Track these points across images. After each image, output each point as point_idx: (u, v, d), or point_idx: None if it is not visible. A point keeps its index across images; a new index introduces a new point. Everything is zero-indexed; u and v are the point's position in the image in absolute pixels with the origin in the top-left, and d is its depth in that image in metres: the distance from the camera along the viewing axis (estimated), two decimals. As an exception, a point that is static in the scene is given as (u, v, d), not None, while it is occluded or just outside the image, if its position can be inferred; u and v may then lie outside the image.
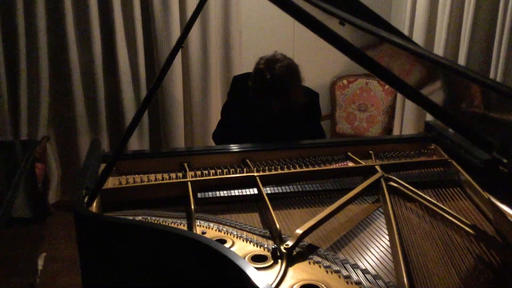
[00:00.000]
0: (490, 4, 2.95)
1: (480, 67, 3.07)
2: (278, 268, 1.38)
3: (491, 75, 2.93)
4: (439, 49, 3.33)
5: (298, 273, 1.37)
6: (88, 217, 1.57)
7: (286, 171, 1.97)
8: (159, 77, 1.67)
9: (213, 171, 1.97)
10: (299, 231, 1.48)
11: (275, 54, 2.37)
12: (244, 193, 1.83)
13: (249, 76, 2.50)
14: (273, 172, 1.95)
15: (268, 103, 2.47)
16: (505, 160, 1.65)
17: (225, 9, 3.72)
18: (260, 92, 2.38)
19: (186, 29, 1.70)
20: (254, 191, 1.83)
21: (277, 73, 2.27)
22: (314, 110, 2.66)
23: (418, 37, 3.51)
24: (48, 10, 3.48)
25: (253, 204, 1.80)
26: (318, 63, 4.15)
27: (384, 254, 1.45)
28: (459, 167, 1.90)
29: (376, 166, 1.94)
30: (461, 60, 3.11)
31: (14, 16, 3.37)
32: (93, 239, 1.60)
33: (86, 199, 1.65)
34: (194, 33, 3.67)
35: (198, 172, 1.97)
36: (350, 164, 2.08)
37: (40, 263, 3.01)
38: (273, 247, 1.46)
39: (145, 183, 1.88)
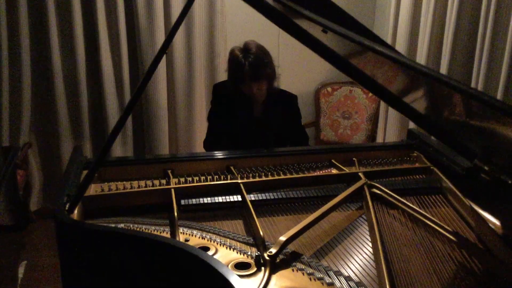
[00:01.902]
0: (472, 12, 3.00)
1: (462, 75, 3.11)
2: (261, 276, 1.37)
3: (473, 84, 2.97)
4: (421, 57, 3.37)
5: (282, 280, 1.36)
6: (70, 224, 1.55)
7: (270, 178, 1.97)
8: (143, 83, 1.66)
9: (197, 178, 1.96)
10: (282, 238, 1.48)
11: (245, 42, 2.50)
12: (228, 200, 1.82)
13: (227, 81, 2.57)
14: (257, 179, 1.95)
15: (249, 104, 2.52)
16: (486, 168, 1.67)
17: (210, 17, 3.72)
18: (237, 75, 2.44)
19: (170, 34, 1.69)
20: (238, 198, 1.83)
21: (251, 50, 2.41)
22: (294, 112, 2.68)
23: (401, 45, 3.55)
24: (31, 15, 3.45)
25: (237, 211, 1.79)
26: (303, 71, 4.18)
27: (367, 261, 1.45)
28: (441, 175, 1.92)
29: (359, 173, 1.95)
30: (443, 69, 3.15)
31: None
32: (75, 246, 1.58)
33: (67, 206, 1.63)
34: (179, 39, 3.67)
35: (182, 179, 1.96)
36: (334, 171, 2.08)
37: (21, 271, 2.97)
38: (256, 254, 1.45)
39: (128, 190, 1.86)
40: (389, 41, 3.63)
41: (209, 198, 1.82)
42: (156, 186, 1.90)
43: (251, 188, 1.87)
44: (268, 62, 2.46)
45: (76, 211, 1.64)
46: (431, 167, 2.01)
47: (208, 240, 1.58)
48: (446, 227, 1.59)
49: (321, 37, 1.40)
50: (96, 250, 1.55)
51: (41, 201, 3.85)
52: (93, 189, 1.89)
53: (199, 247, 1.44)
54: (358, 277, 1.37)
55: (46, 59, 3.52)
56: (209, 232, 1.64)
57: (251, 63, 2.39)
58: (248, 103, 2.59)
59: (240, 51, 2.44)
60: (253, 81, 2.42)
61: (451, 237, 1.54)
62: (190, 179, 1.95)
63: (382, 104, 3.96)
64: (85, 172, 1.92)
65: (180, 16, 1.68)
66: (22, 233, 3.51)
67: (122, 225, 1.67)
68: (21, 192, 3.43)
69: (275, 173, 2.02)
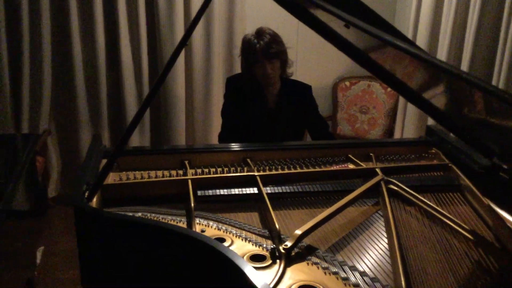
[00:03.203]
0: (495, 9, 2.95)
1: (483, 72, 3.07)
2: (276, 268, 1.38)
3: (494, 81, 2.93)
4: (442, 54, 3.34)
5: (296, 273, 1.37)
6: (88, 212, 1.58)
7: (286, 171, 1.97)
8: (163, 75, 1.67)
9: (214, 169, 1.97)
10: (298, 232, 1.48)
11: (257, 28, 2.55)
12: (244, 192, 1.83)
13: (240, 74, 2.64)
14: (274, 172, 1.95)
15: (263, 95, 2.56)
16: (505, 166, 1.66)
17: (229, 8, 3.72)
18: (250, 57, 2.49)
19: (191, 26, 1.69)
20: (254, 190, 1.83)
21: (264, 32, 2.47)
22: (310, 102, 2.68)
23: (421, 40, 3.51)
24: (52, 4, 3.48)
25: (253, 203, 1.80)
26: (321, 64, 4.16)
27: (383, 257, 1.45)
28: (459, 172, 1.90)
29: (376, 169, 1.94)
30: (464, 65, 3.11)
31: (18, 10, 3.37)
32: (93, 234, 1.61)
33: (86, 194, 1.65)
34: (198, 31, 3.68)
35: (199, 170, 1.97)
36: (351, 166, 2.08)
37: (38, 256, 3.01)
38: (272, 247, 1.46)
39: (145, 179, 1.88)
40: (409, 35, 3.60)
41: (225, 190, 1.83)
42: (173, 176, 1.92)
43: (268, 180, 1.88)
44: (281, 42, 2.51)
45: (94, 199, 1.67)
46: (450, 165, 1.99)
47: (224, 232, 1.59)
48: (463, 225, 1.58)
49: (341, 31, 1.40)
50: (113, 238, 1.58)
51: (59, 187, 3.90)
52: (111, 178, 1.92)
53: (215, 238, 1.45)
54: (373, 272, 1.37)
55: (66, 49, 3.56)
56: (225, 223, 1.65)
57: (265, 41, 2.44)
58: (262, 94, 2.60)
59: (253, 35, 2.50)
60: (266, 58, 2.45)
61: (468, 235, 1.53)
62: (207, 170, 1.96)
63: (401, 100, 3.93)
64: (104, 161, 1.94)
65: (201, 8, 1.69)
66: (40, 219, 3.56)
67: (139, 214, 1.69)
68: (40, 178, 3.47)
69: (291, 166, 2.02)
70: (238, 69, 3.75)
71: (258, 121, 2.61)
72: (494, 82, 2.92)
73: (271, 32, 2.50)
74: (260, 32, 2.49)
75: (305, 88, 2.68)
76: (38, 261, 2.99)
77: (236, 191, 1.83)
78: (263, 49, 2.43)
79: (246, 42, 2.52)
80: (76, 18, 3.50)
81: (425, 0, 3.49)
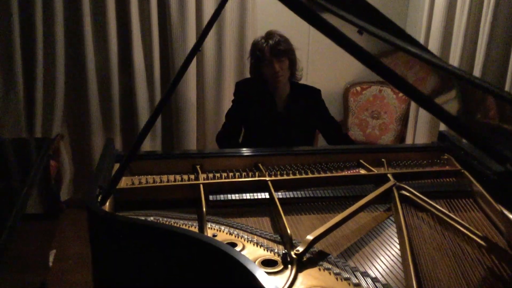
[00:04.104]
0: (508, 13, 2.93)
1: (496, 78, 3.05)
2: (288, 273, 1.38)
3: (507, 87, 2.91)
4: (455, 58, 3.32)
5: (308, 279, 1.37)
6: (101, 216, 1.59)
7: (298, 176, 1.97)
8: (175, 80, 1.68)
9: (225, 174, 1.98)
10: (310, 237, 1.49)
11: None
12: (256, 197, 1.83)
13: (250, 79, 2.67)
14: (285, 177, 1.95)
15: (272, 99, 2.58)
16: (519, 173, 1.64)
17: (241, 14, 3.73)
18: (258, 56, 2.54)
19: (203, 33, 1.71)
20: (266, 195, 1.84)
21: (273, 34, 2.54)
22: (320, 106, 2.69)
23: (433, 45, 3.50)
24: (66, 9, 3.52)
25: (264, 208, 1.80)
26: (332, 69, 4.16)
27: (395, 263, 1.45)
28: (472, 178, 1.89)
29: (388, 175, 1.94)
30: (477, 71, 3.09)
31: (32, 15, 3.42)
32: (106, 237, 1.62)
33: (99, 198, 1.67)
34: (210, 36, 3.69)
35: (210, 175, 1.98)
36: (362, 171, 2.07)
37: (50, 260, 3.04)
38: (283, 252, 1.46)
39: (157, 184, 1.89)
40: (421, 40, 3.58)
41: (237, 195, 1.84)
42: (185, 181, 1.93)
43: (279, 185, 1.88)
44: (290, 43, 2.57)
45: (107, 203, 1.68)
46: (462, 171, 1.98)
47: (235, 236, 1.60)
48: (476, 231, 1.57)
49: (353, 36, 1.40)
50: (126, 242, 1.58)
51: (71, 191, 3.93)
52: (123, 182, 1.93)
53: (227, 243, 1.46)
54: (385, 278, 1.37)
55: (79, 53, 3.59)
56: (236, 228, 1.65)
57: (274, 40, 2.51)
58: (271, 98, 2.60)
59: (262, 36, 2.57)
60: (274, 56, 2.48)
61: (480, 241, 1.53)
62: (218, 175, 1.97)
63: (412, 105, 3.91)
64: (116, 165, 1.96)
65: (214, 14, 1.70)
66: (53, 222, 3.58)
67: (151, 218, 1.70)
68: (53, 182, 3.50)
69: (303, 171, 2.02)
70: (249, 74, 3.76)
71: (267, 125, 2.62)
72: (507, 88, 2.90)
73: (280, 34, 2.56)
74: (269, 34, 2.55)
75: (314, 92, 2.68)
76: (50, 264, 3.01)
77: (247, 196, 1.84)
78: (272, 47, 2.47)
79: (255, 43, 2.58)
80: (89, 23, 3.53)
81: (437, 4, 3.48)
